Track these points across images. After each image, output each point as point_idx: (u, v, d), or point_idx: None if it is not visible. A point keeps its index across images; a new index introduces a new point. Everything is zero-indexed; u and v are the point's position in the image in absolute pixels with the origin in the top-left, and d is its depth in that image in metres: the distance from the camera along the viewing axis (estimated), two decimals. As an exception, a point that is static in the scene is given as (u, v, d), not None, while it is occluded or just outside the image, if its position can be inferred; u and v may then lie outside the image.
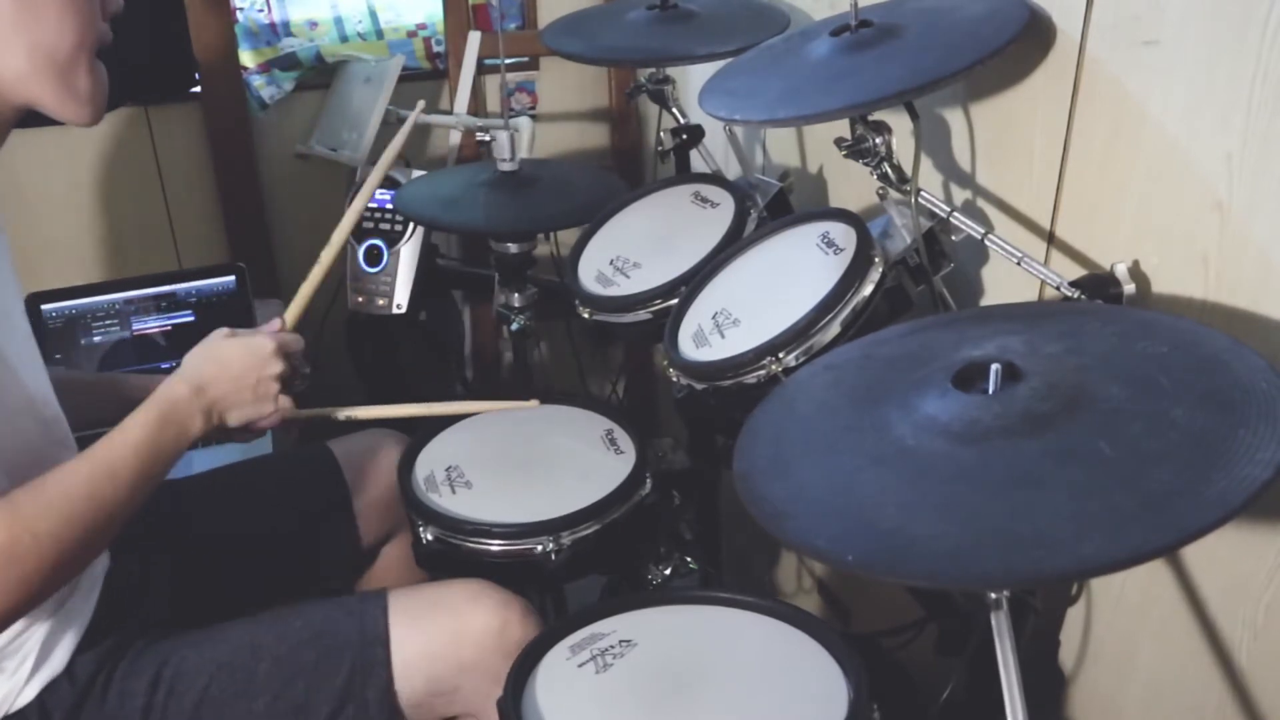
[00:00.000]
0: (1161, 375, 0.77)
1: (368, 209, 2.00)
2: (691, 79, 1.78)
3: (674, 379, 1.20)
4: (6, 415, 0.98)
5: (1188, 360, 0.78)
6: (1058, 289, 0.97)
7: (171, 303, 1.76)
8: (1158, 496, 0.66)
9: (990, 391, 0.78)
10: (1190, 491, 0.66)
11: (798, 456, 0.84)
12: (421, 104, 1.45)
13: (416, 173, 1.98)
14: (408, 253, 1.98)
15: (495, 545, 1.22)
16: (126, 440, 1.02)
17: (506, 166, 1.62)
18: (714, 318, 1.20)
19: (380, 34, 2.26)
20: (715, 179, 1.47)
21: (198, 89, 2.12)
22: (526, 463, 1.34)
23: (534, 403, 1.27)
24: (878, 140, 1.10)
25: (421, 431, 1.39)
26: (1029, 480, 0.71)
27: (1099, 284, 0.98)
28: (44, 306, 1.74)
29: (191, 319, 1.77)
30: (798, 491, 0.80)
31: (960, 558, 0.68)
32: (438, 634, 1.13)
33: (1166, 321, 0.85)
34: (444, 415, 1.40)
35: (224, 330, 1.14)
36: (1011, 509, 0.69)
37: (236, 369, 1.10)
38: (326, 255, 1.25)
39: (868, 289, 1.08)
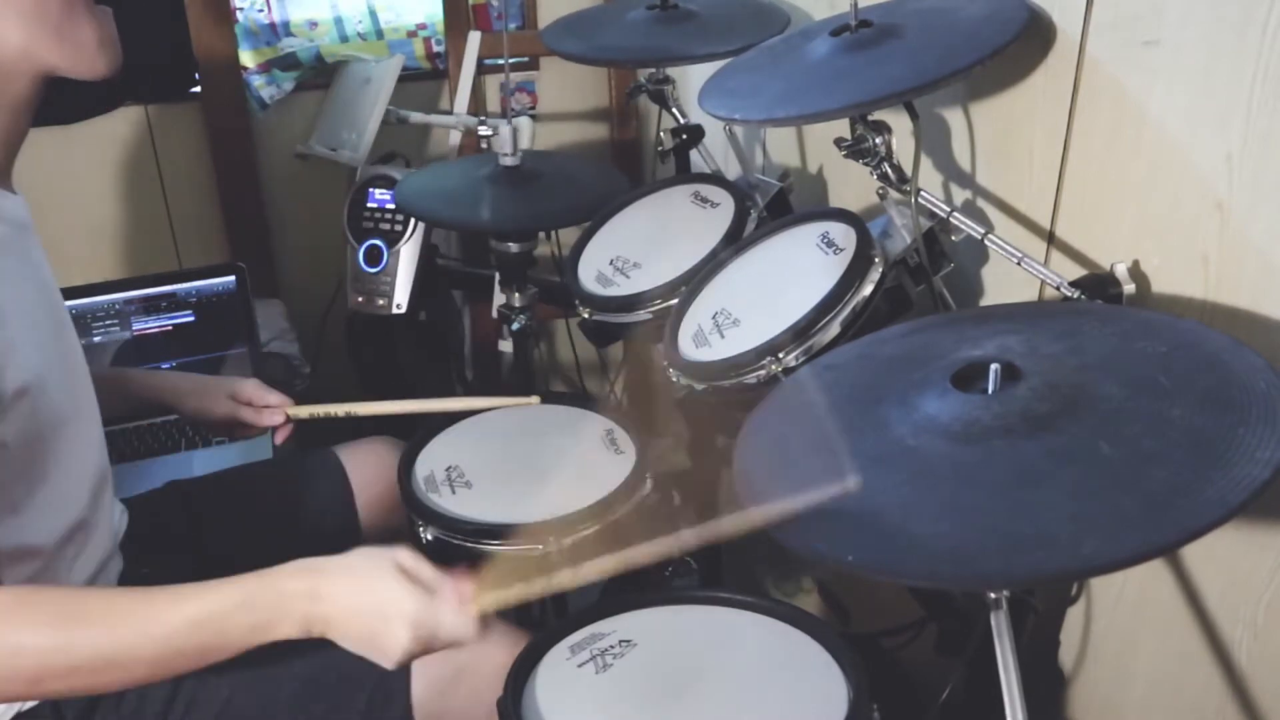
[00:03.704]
0: (1161, 375, 0.77)
1: (367, 209, 2.00)
2: (691, 79, 1.78)
3: (674, 379, 1.20)
4: None
5: (1187, 360, 0.78)
6: (1058, 289, 0.97)
7: (171, 303, 1.76)
8: (1157, 496, 0.66)
9: (990, 391, 0.78)
10: (1190, 491, 0.66)
11: (798, 456, 0.84)
12: None
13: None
14: (408, 253, 1.98)
15: (495, 546, 1.22)
16: (189, 605, 0.86)
17: (508, 161, 1.62)
18: (714, 318, 1.20)
19: (380, 34, 2.26)
20: (715, 179, 1.47)
21: (198, 89, 2.12)
22: (526, 463, 1.34)
23: (535, 400, 1.27)
24: (878, 140, 1.10)
25: (422, 432, 1.39)
26: (1029, 480, 0.71)
27: (1099, 284, 0.98)
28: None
29: (191, 319, 1.77)
30: (797, 491, 0.79)
31: (960, 558, 0.68)
32: (449, 667, 1.12)
33: (1166, 321, 0.85)
34: (445, 413, 1.40)
35: (405, 554, 0.92)
36: (1011, 509, 0.69)
37: (365, 600, 0.90)
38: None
39: (868, 289, 1.08)
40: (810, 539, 0.74)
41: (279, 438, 1.33)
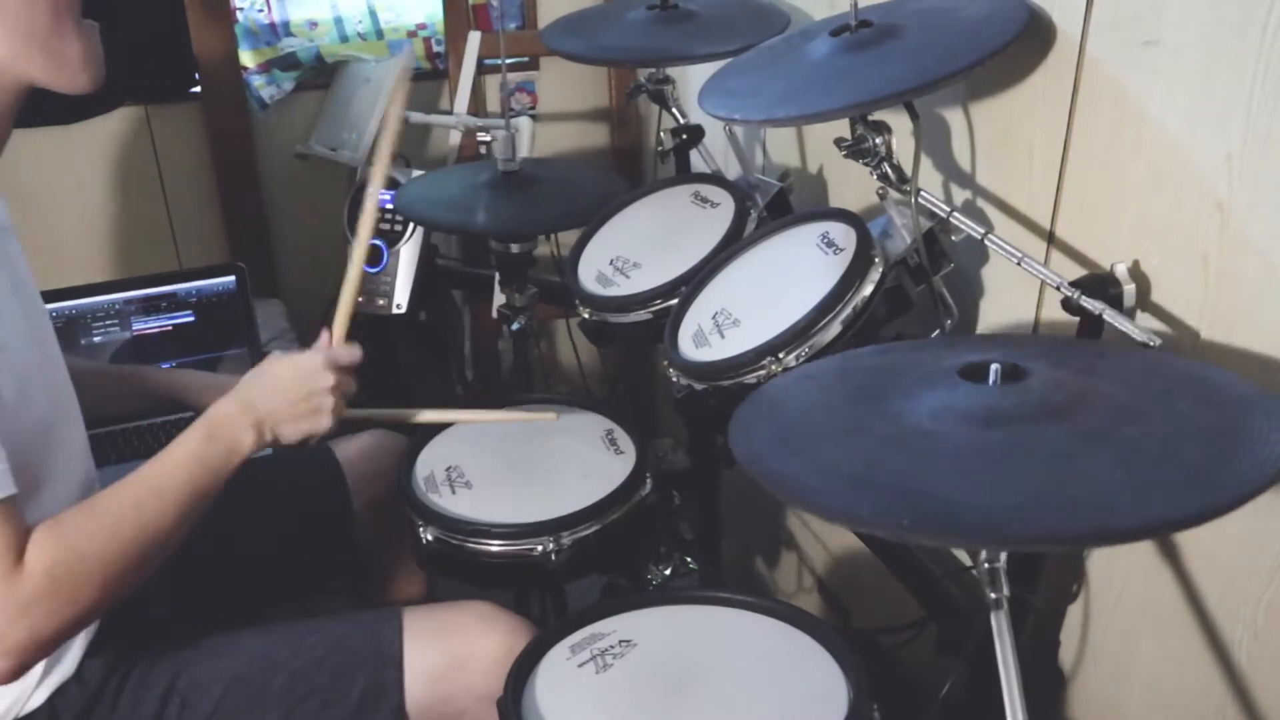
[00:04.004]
0: (1156, 379, 0.78)
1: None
2: (691, 79, 1.77)
3: (674, 379, 1.20)
4: None
5: (1174, 371, 0.80)
6: (1058, 289, 0.97)
7: (171, 303, 1.76)
8: (1198, 465, 0.66)
9: (996, 386, 0.78)
10: (1230, 459, 0.66)
11: (809, 442, 0.81)
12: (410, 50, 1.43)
13: (416, 173, 1.98)
14: (408, 253, 1.98)
15: (495, 545, 1.22)
16: (173, 457, 1.02)
17: (507, 166, 1.62)
18: (714, 318, 1.20)
19: (380, 34, 2.27)
20: (715, 179, 1.47)
21: (198, 89, 2.12)
22: (526, 463, 1.34)
23: (553, 416, 1.28)
24: (878, 140, 1.10)
25: (421, 432, 1.39)
26: (1068, 456, 0.70)
27: (1099, 284, 0.98)
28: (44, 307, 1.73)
29: (191, 319, 1.77)
30: (824, 468, 0.77)
31: (1022, 518, 0.66)
32: (448, 658, 1.13)
33: (1135, 351, 0.87)
34: (460, 423, 1.41)
35: (277, 353, 1.15)
36: (1062, 478, 0.68)
37: (286, 383, 1.10)
38: (355, 260, 1.22)
39: (868, 289, 1.08)
40: (852, 508, 0.71)
41: None
